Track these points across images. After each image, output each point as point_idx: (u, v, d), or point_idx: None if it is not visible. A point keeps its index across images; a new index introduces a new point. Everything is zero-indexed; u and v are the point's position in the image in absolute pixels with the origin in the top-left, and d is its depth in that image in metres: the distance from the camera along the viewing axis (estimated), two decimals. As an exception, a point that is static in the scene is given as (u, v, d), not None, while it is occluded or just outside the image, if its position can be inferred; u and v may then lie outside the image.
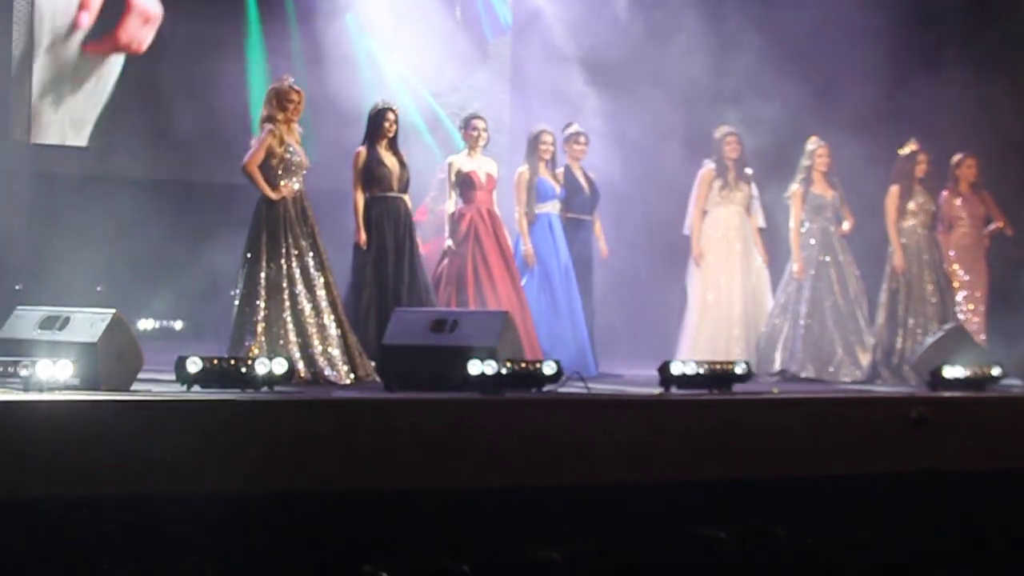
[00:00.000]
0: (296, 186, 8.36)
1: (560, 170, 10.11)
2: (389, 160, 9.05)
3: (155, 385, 7.02)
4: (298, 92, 8.44)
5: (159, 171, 11.96)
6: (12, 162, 11.06)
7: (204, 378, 6.86)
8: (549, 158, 10.05)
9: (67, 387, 6.38)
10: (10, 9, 11.61)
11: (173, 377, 6.88)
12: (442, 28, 12.62)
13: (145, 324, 11.26)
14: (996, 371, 9.21)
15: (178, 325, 11.90)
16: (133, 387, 6.84)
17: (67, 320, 6.96)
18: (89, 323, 6.88)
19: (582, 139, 10.29)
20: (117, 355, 6.82)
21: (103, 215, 10.96)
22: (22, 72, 11.66)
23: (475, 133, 9.64)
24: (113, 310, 6.98)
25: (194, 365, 6.86)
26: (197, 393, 6.74)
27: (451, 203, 9.64)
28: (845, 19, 12.18)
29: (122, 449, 5.74)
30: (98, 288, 10.89)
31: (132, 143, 11.44)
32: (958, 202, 10.97)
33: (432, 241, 10.05)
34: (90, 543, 5.55)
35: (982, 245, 11.08)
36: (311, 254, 8.31)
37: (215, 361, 6.95)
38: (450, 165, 9.67)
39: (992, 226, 11.13)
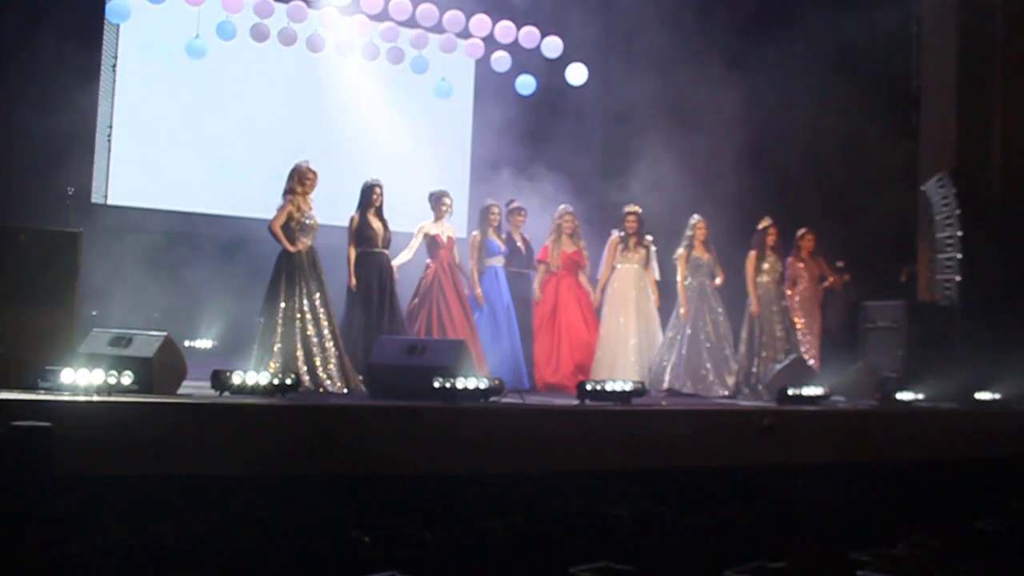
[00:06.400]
0: (308, 242, 8.32)
1: (503, 235, 10.15)
2: (376, 224, 9.02)
3: (195, 391, 6.94)
4: (313, 172, 8.42)
5: (209, 231, 11.89)
6: (94, 220, 10.85)
7: (233, 386, 6.81)
8: (497, 224, 10.08)
9: (128, 391, 6.32)
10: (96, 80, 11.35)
11: (209, 385, 6.83)
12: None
13: (190, 343, 11.11)
14: (825, 390, 9.33)
15: (214, 345, 11.74)
16: (179, 392, 6.78)
17: (130, 340, 6.87)
18: (147, 342, 6.81)
19: (523, 212, 10.35)
20: (167, 367, 6.75)
21: (160, 261, 10.86)
22: (103, 140, 11.45)
23: (444, 208, 9.68)
24: (165, 332, 6.92)
25: (226, 376, 6.82)
26: (228, 398, 6.67)
27: (408, 254, 9.59)
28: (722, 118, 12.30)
29: (169, 439, 5.71)
30: (155, 315, 10.75)
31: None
32: (800, 265, 11.08)
33: None
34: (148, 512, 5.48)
35: (817, 297, 11.21)
36: (317, 294, 8.26)
37: (242, 373, 6.91)
38: (420, 229, 9.68)
39: (825, 283, 11.26)
